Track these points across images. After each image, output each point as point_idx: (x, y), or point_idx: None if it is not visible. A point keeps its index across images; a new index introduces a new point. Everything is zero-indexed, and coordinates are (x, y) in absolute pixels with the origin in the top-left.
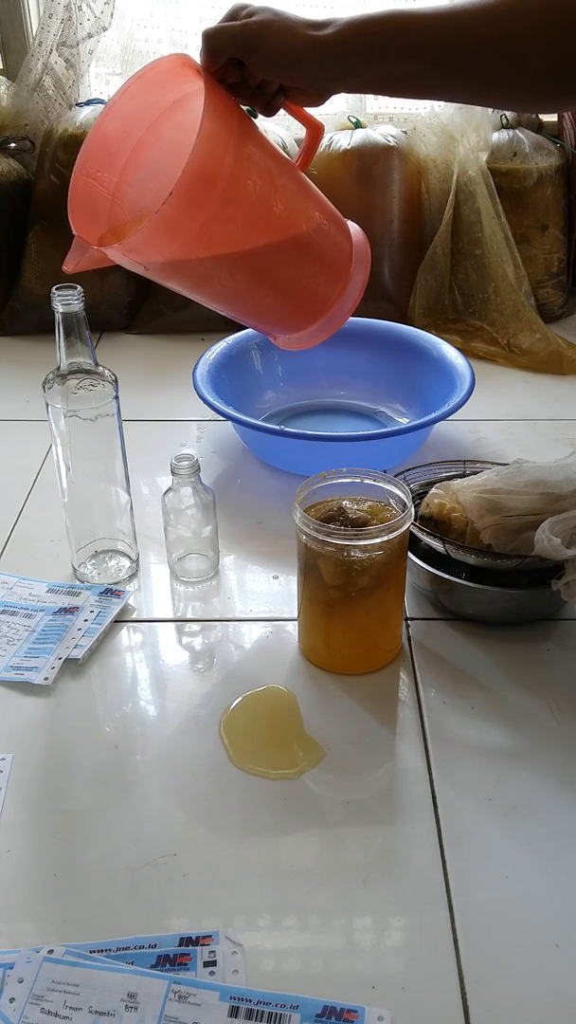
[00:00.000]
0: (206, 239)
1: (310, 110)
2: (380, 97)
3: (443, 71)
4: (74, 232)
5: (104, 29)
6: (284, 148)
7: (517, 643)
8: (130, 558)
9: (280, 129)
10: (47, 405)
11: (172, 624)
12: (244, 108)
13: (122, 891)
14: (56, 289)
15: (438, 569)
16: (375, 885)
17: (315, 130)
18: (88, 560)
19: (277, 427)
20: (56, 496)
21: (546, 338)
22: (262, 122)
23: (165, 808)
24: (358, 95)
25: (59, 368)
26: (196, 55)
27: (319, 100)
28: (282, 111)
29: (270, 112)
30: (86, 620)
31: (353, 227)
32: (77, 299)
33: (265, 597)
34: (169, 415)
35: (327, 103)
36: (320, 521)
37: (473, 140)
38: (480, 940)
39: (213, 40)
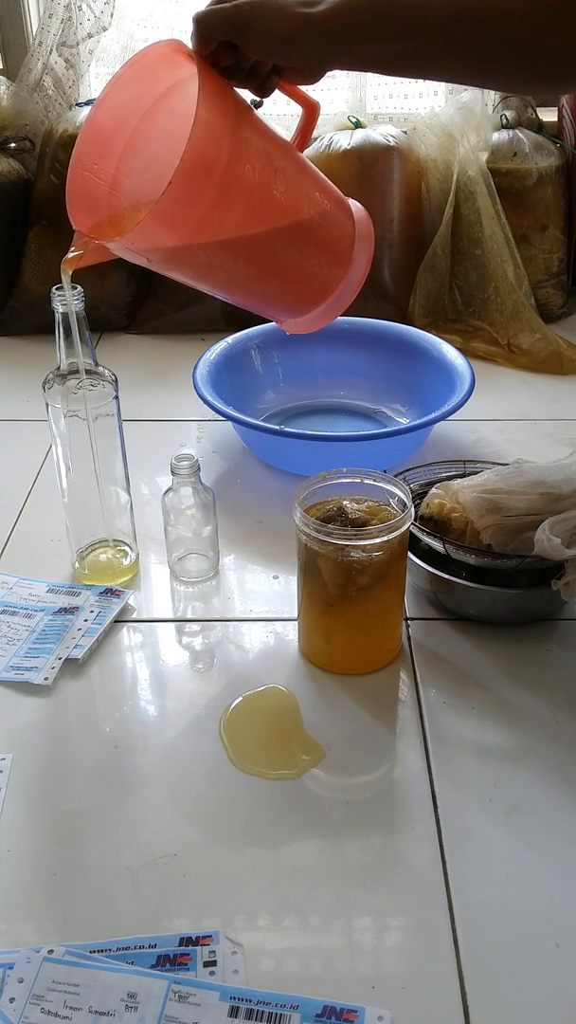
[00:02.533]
0: (207, 227)
1: (305, 88)
2: (380, 97)
3: (440, 51)
4: (74, 227)
5: (104, 29)
6: None
7: (517, 643)
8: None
9: (280, 130)
10: (47, 405)
11: (172, 624)
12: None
13: (122, 891)
14: (56, 289)
15: (438, 569)
16: (375, 885)
17: (311, 108)
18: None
19: (277, 427)
20: (56, 496)
21: (546, 338)
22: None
23: (165, 808)
24: (358, 96)
25: (59, 368)
26: (189, 41)
27: (314, 78)
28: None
29: (265, 93)
30: (86, 620)
31: (354, 205)
32: (77, 299)
33: (265, 597)
34: (169, 415)
35: (324, 94)
36: (320, 521)
37: (473, 140)
38: (480, 940)
39: (204, 24)
